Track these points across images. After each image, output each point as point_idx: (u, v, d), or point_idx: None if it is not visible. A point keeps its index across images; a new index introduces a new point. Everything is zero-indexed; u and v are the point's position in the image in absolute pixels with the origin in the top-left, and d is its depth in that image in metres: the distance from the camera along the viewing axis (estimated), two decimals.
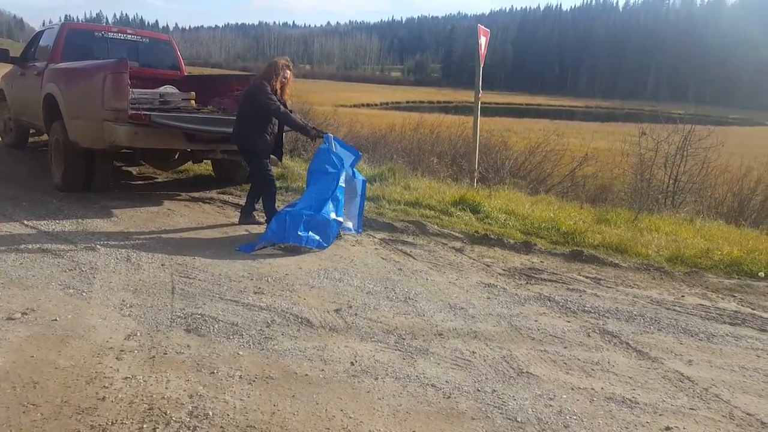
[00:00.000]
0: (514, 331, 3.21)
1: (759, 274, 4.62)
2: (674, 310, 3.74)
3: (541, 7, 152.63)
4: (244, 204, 5.47)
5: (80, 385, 2.32)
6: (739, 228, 7.61)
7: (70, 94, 5.91)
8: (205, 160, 7.38)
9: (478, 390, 2.51)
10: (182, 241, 4.64)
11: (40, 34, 8.00)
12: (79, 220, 5.02)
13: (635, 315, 3.59)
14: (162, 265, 3.98)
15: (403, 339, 3.00)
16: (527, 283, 4.15)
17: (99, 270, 3.74)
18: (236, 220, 5.46)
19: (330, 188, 4.86)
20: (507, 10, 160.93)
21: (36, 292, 3.29)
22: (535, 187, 11.64)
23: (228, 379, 2.45)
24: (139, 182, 7.31)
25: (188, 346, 2.75)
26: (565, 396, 2.52)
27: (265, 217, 5.13)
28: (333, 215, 4.74)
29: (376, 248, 4.85)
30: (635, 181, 10.17)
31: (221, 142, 6.05)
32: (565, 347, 3.04)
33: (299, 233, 4.51)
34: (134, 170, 7.69)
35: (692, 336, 3.33)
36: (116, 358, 2.57)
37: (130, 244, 4.42)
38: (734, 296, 4.14)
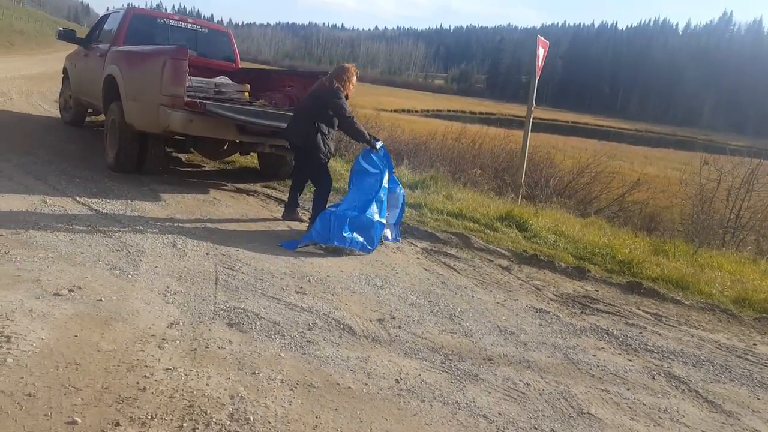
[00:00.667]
0: (571, 364, 3.00)
1: None
2: (746, 359, 3.46)
3: (596, 24, 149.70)
4: (287, 199, 5.40)
5: (122, 371, 2.24)
6: None
7: (131, 76, 5.97)
8: (251, 153, 7.42)
9: (535, 428, 2.32)
10: (226, 232, 4.59)
11: (105, 17, 8.17)
12: (129, 201, 5.03)
13: (703, 360, 3.33)
14: (207, 254, 3.92)
15: (450, 360, 2.84)
16: (582, 312, 3.92)
17: (145, 253, 3.70)
18: (279, 214, 5.40)
19: (374, 189, 4.76)
20: (559, 24, 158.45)
21: (83, 269, 3.26)
22: (582, 209, 11.30)
23: (269, 383, 2.33)
24: (188, 169, 7.35)
25: (230, 341, 2.66)
26: None
27: (311, 216, 5.04)
28: (377, 217, 4.62)
29: (418, 258, 4.70)
30: (694, 212, 9.73)
31: (271, 136, 6.01)
32: (628, 389, 2.82)
33: (344, 234, 4.40)
34: (183, 157, 7.75)
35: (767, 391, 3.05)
36: (158, 347, 2.49)
37: (177, 229, 4.39)
38: None
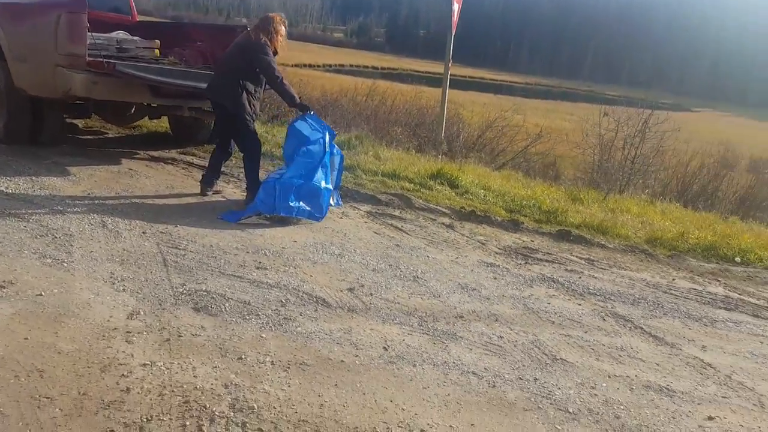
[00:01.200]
0: (532, 314, 3.15)
1: (735, 259, 4.83)
2: (671, 294, 3.82)
3: None
4: (208, 166, 4.91)
5: (95, 373, 2.02)
6: (696, 211, 8.00)
7: (16, 33, 5.22)
8: (161, 117, 6.86)
9: (520, 378, 2.42)
10: (156, 207, 4.24)
11: None
12: (33, 178, 4.48)
13: (638, 298, 3.63)
14: (143, 233, 3.61)
15: (426, 322, 2.87)
16: (526, 263, 4.11)
17: (74, 237, 3.33)
18: None
19: (318, 155, 4.59)
20: None
21: (8, 261, 2.87)
22: (492, 162, 11.76)
23: (260, 366, 2.22)
24: (88, 137, 6.66)
25: (202, 327, 2.49)
26: (605, 384, 2.48)
27: (247, 184, 4.76)
28: (323, 183, 4.48)
29: (365, 222, 4.66)
30: (595, 160, 10.48)
31: (189, 98, 5.57)
32: (586, 332, 3.01)
33: (290, 203, 4.23)
34: (80, 123, 7.00)
35: (696, 321, 3.40)
36: (126, 341, 2.27)
37: (100, 207, 3.99)
38: (719, 281, 4.29)
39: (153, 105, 5.82)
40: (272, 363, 2.25)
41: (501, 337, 2.79)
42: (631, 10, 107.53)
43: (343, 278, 3.31)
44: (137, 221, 3.81)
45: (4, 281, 2.63)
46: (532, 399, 2.28)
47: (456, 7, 8.12)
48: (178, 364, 2.16)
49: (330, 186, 4.60)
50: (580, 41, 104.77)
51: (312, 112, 4.73)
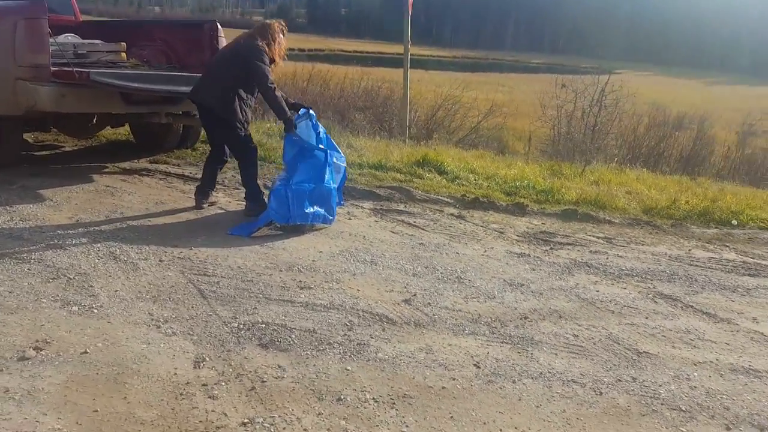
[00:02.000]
0: (589, 305, 3.11)
1: (732, 222, 5.01)
2: (695, 266, 3.90)
3: None
4: (201, 177, 4.58)
5: None
6: (661, 174, 8.29)
7: None
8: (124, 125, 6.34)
9: (619, 380, 2.36)
10: (157, 228, 3.90)
11: None
12: (8, 208, 4.00)
13: (671, 275, 3.67)
14: (160, 260, 3.29)
15: (496, 328, 2.76)
16: (551, 249, 4.08)
17: (90, 275, 2.98)
18: (191, 193, 4.70)
19: (322, 155, 4.36)
20: None
21: (31, 315, 2.52)
22: (449, 140, 11.71)
23: (364, 406, 2.04)
24: (44, 152, 6.08)
25: (280, 367, 2.27)
26: (696, 374, 2.46)
27: (246, 193, 4.44)
28: (333, 184, 4.27)
29: (375, 221, 4.48)
30: (556, 133, 10.64)
31: (164, 104, 5.16)
32: (647, 318, 3.00)
33: (306, 210, 3.99)
34: (30, 138, 6.37)
35: (732, 291, 3.48)
36: (208, 397, 2.03)
37: (97, 235, 3.61)
38: (727, 246, 4.43)
39: (119, 113, 5.33)
40: (375, 401, 2.08)
41: (576, 336, 2.72)
42: None
43: (391, 288, 3.14)
44: (146, 247, 3.47)
45: (38, 341, 2.30)
46: (643, 402, 2.22)
47: None
48: (280, 416, 1.95)
49: (335, 185, 4.39)
50: (501, 12, 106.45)
51: (304, 112, 4.46)
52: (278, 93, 4.15)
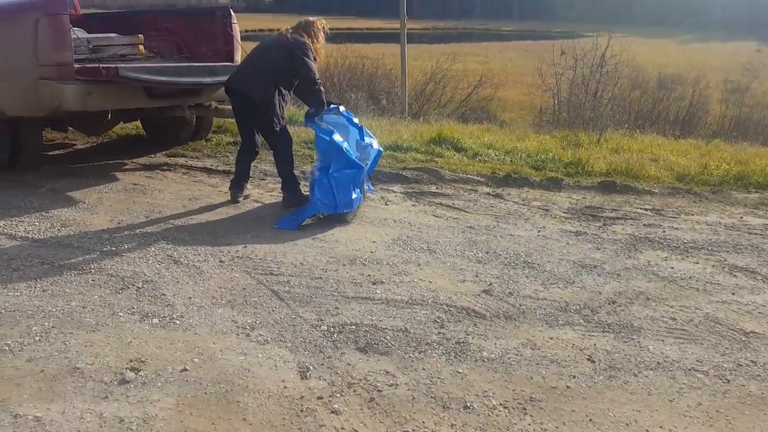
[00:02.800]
0: (671, 283, 3.05)
1: None
2: (755, 234, 3.85)
3: None
4: (236, 172, 4.39)
5: None
6: (677, 140, 8.24)
7: None
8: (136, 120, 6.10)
9: (739, 365, 2.30)
10: (202, 226, 3.76)
11: None
12: (44, 214, 3.83)
13: (736, 245, 3.62)
14: (221, 262, 3.16)
15: (588, 315, 2.69)
16: (604, 224, 4.01)
17: (158, 283, 2.85)
18: (223, 188, 4.55)
19: (353, 137, 4.29)
20: None
21: (112, 331, 2.39)
22: (440, 114, 11.50)
23: (496, 413, 1.96)
24: (58, 152, 5.85)
25: (389, 373, 2.18)
26: None
27: (282, 184, 4.29)
28: (365, 163, 4.19)
29: (413, 204, 4.39)
30: (557, 103, 10.52)
31: (186, 96, 4.96)
32: (734, 294, 2.95)
33: (351, 197, 3.87)
34: None
35: None
36: (331, 412, 1.94)
37: (147, 238, 3.46)
38: None
39: (139, 108, 5.10)
40: (503, 407, 2.00)
41: (674, 319, 2.66)
42: None
43: (462, 277, 3.05)
44: (201, 248, 3.34)
45: (132, 361, 2.18)
46: None
47: None
48: (413, 431, 1.86)
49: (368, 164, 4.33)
50: None
51: (340, 107, 4.39)
52: (322, 88, 4.13)
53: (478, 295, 2.85)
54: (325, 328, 2.48)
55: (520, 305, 2.76)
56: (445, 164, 5.51)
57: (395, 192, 4.69)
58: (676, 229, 3.94)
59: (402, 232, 3.73)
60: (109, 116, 5.42)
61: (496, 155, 6.01)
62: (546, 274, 3.12)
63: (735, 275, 3.18)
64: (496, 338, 2.46)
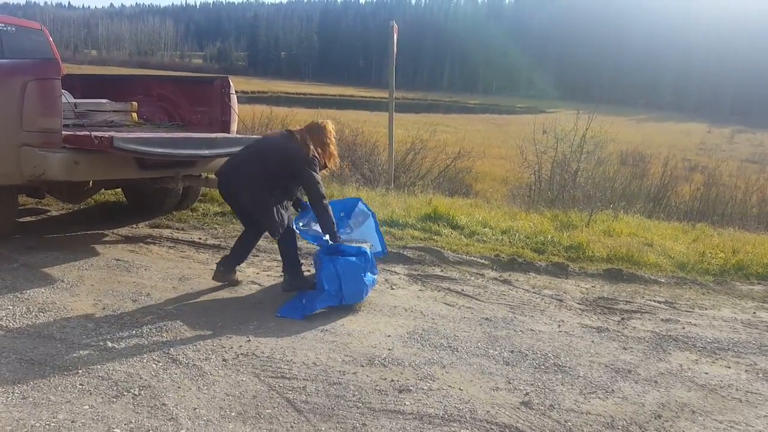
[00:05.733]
0: (712, 394, 2.86)
1: None
2: None
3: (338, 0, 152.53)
4: (232, 251, 4.01)
5: None
6: (660, 221, 8.34)
7: None
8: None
9: None
10: (198, 312, 3.44)
11: None
12: (18, 295, 3.45)
13: (760, 346, 3.50)
14: (224, 361, 2.83)
15: None
16: (623, 319, 3.85)
17: (156, 389, 2.49)
18: (211, 264, 4.23)
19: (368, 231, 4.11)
20: (305, 0, 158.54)
21: None
22: (424, 186, 11.50)
23: None
24: (28, 219, 5.45)
25: None
26: None
27: (284, 266, 4.00)
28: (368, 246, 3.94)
29: (420, 289, 4.17)
30: (537, 180, 10.67)
31: (180, 166, 4.73)
32: None
33: (365, 284, 3.63)
34: None
35: None
36: None
37: (138, 329, 3.11)
38: None
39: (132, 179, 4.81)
40: None
41: None
42: (477, 21, 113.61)
43: (494, 384, 2.80)
44: (200, 343, 3.00)
45: None
46: None
47: (395, 37, 7.91)
48: None
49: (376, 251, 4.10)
50: (436, 55, 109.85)
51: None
52: (329, 206, 3.75)
53: (518, 408, 2.59)
54: None
55: (566, 421, 2.51)
56: (445, 244, 5.36)
57: (399, 274, 4.48)
58: (695, 325, 3.81)
59: (416, 324, 3.48)
60: (90, 183, 5.12)
61: (493, 234, 5.90)
62: (581, 381, 2.90)
63: None
64: None
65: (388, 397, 2.58)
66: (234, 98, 5.33)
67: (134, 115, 5.02)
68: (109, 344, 2.88)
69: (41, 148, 3.81)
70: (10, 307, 3.26)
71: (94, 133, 3.82)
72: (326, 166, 3.88)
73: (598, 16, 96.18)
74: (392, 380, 2.75)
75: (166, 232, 5.23)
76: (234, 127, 5.32)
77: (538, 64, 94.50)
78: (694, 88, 76.92)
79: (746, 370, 3.16)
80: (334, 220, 3.74)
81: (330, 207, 3.76)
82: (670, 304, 4.23)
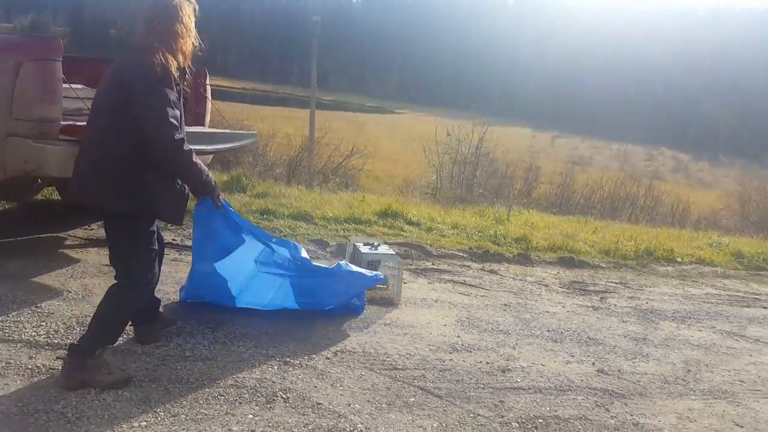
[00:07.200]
0: (708, 351, 3.60)
1: (677, 260, 6.12)
2: (711, 302, 4.75)
3: None
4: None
5: None
6: (565, 216, 9.54)
7: None
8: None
9: None
10: (250, 317, 3.33)
11: None
12: (36, 309, 3.02)
13: (709, 313, 4.41)
14: (327, 359, 2.85)
15: (687, 385, 3.07)
16: (602, 299, 4.53)
17: (298, 391, 2.45)
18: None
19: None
20: None
21: None
22: (338, 183, 11.75)
23: None
24: None
25: None
26: None
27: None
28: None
29: (429, 282, 4.47)
30: (439, 179, 11.47)
31: None
32: (751, 356, 3.61)
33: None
34: None
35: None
36: None
37: (215, 334, 2.95)
38: (696, 282, 5.43)
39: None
40: None
41: (743, 381, 3.18)
42: (327, 18, 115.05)
43: (563, 359, 3.22)
44: (292, 345, 2.96)
45: None
46: None
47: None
48: None
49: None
50: (286, 49, 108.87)
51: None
52: (190, 148, 2.33)
53: (598, 375, 3.05)
54: (516, 425, 2.43)
55: (637, 381, 3.02)
56: (419, 239, 5.64)
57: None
58: (653, 300, 4.65)
59: (455, 313, 3.76)
60: (39, 180, 4.51)
61: (448, 230, 6.31)
62: (620, 350, 3.45)
63: (736, 340, 3.89)
64: (653, 415, 2.67)
65: (498, 377, 2.86)
66: (209, 90, 5.04)
67: None
68: (205, 353, 2.72)
69: (36, 140, 3.33)
70: (43, 324, 2.87)
71: None
72: (184, 75, 2.45)
73: (441, 22, 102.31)
74: (488, 362, 3.02)
75: None
76: (207, 119, 5.04)
77: (386, 66, 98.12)
78: (521, 94, 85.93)
79: (713, 333, 4.00)
80: (206, 171, 2.44)
81: (192, 153, 2.33)
82: (624, 284, 5.06)
